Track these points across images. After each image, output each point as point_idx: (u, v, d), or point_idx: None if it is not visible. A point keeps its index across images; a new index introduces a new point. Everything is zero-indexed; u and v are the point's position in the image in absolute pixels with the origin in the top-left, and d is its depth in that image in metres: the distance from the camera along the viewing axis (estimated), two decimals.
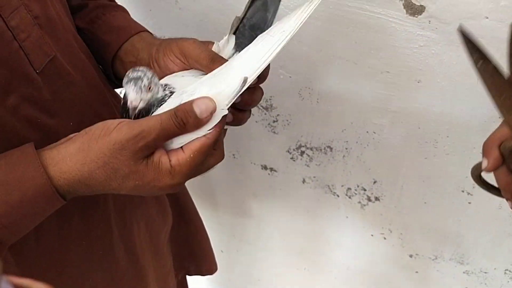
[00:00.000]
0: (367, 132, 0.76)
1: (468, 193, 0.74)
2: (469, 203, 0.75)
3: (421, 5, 0.58)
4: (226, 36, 0.53)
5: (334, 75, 0.71)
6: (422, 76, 0.65)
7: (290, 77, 0.75)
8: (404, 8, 0.58)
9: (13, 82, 0.43)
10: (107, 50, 0.57)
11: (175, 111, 0.43)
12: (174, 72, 0.52)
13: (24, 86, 0.44)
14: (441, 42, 0.59)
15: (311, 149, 0.84)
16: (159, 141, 0.43)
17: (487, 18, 0.55)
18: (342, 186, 0.87)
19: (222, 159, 0.48)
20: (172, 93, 0.48)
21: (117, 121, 0.43)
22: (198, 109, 0.43)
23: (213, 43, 0.52)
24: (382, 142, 0.75)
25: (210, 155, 0.46)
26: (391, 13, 0.59)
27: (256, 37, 0.51)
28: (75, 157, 0.42)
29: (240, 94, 0.46)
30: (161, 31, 0.65)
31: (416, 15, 0.58)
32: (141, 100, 0.45)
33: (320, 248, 1.03)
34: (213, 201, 1.09)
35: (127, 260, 0.60)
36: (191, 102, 0.44)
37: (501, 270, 0.81)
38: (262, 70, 0.48)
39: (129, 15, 0.62)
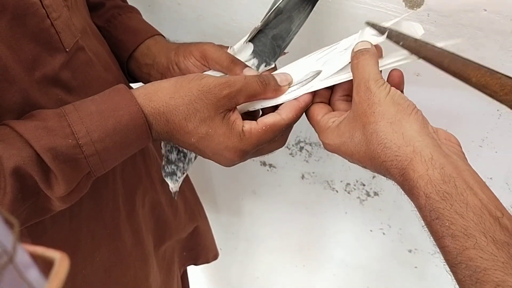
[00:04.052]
0: None
1: None
2: None
3: None
4: (241, 42, 0.57)
5: None
6: (421, 69, 0.65)
7: None
8: (403, 1, 0.59)
9: (41, 58, 0.45)
10: (122, 50, 0.61)
11: (258, 75, 0.50)
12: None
13: (50, 62, 0.46)
14: (440, 35, 0.60)
15: (310, 144, 0.84)
16: (241, 95, 0.47)
17: (485, 10, 0.56)
18: (341, 181, 0.87)
19: (282, 146, 0.54)
20: None
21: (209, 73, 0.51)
22: (279, 78, 0.50)
23: (227, 47, 0.57)
24: None
25: (274, 141, 0.51)
26: (390, 6, 0.60)
27: (277, 47, 0.56)
28: (166, 90, 0.46)
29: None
30: (160, 27, 0.65)
31: (415, 8, 0.59)
32: None
33: (319, 245, 1.04)
34: (212, 199, 1.10)
35: (132, 242, 0.62)
36: (270, 73, 0.51)
37: None
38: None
39: (142, 17, 0.66)
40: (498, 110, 0.63)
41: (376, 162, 0.42)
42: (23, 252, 0.14)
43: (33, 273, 0.15)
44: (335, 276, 1.07)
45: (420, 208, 0.39)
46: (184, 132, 0.47)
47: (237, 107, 0.49)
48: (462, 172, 0.38)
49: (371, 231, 0.92)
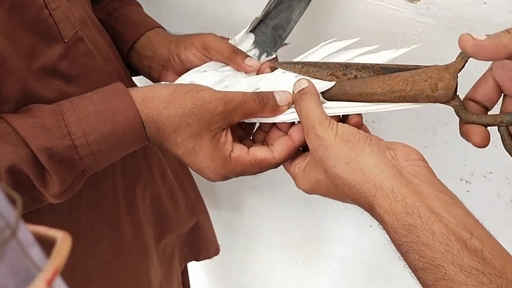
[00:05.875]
0: (366, 121, 0.75)
1: (467, 182, 0.74)
2: (468, 191, 0.76)
3: None
4: (242, 32, 0.57)
5: None
6: (420, 62, 0.65)
7: None
8: None
9: (39, 48, 0.45)
10: (123, 42, 0.61)
11: (257, 92, 0.48)
12: (195, 65, 0.56)
13: (48, 53, 0.46)
14: (440, 28, 0.60)
15: None
16: (237, 113, 0.46)
17: (485, 3, 0.56)
18: None
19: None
20: None
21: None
22: (278, 97, 0.48)
23: (229, 38, 0.57)
24: (381, 131, 0.76)
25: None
26: None
27: (278, 36, 0.56)
28: (162, 98, 0.46)
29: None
30: (160, 20, 0.65)
31: (415, 2, 0.59)
32: None
33: (318, 241, 1.04)
34: (212, 195, 1.10)
35: (132, 235, 0.62)
36: (271, 91, 0.49)
37: None
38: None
39: (143, 9, 0.66)
40: (497, 104, 0.63)
41: (348, 200, 0.43)
42: (26, 231, 0.14)
43: (35, 251, 0.15)
44: (335, 272, 1.07)
45: (392, 241, 0.39)
46: (173, 143, 0.46)
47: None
48: (426, 197, 0.38)
49: (371, 226, 0.92)
